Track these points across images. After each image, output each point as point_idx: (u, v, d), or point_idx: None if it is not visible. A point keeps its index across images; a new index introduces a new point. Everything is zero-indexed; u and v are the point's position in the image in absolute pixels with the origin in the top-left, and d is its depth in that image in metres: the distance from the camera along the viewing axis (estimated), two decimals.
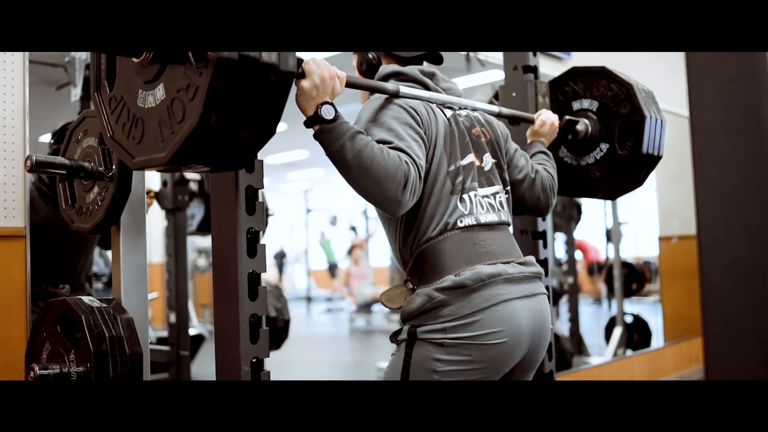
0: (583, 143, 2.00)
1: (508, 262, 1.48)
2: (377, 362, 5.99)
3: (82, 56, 3.11)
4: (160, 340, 4.06)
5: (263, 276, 1.30)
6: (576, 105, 2.05)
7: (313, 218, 14.10)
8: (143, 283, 1.53)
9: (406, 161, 1.33)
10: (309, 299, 12.88)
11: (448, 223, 1.45)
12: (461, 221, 1.46)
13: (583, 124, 1.99)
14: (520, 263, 1.50)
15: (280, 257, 13.63)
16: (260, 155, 1.30)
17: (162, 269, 4.16)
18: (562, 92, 2.09)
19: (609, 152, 1.98)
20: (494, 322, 1.39)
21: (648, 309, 5.20)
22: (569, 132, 1.97)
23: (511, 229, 1.60)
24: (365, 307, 8.67)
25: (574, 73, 2.06)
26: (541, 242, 2.05)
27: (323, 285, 13.95)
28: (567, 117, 1.97)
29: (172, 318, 3.37)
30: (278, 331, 3.20)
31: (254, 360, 1.26)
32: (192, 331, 4.17)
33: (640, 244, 6.68)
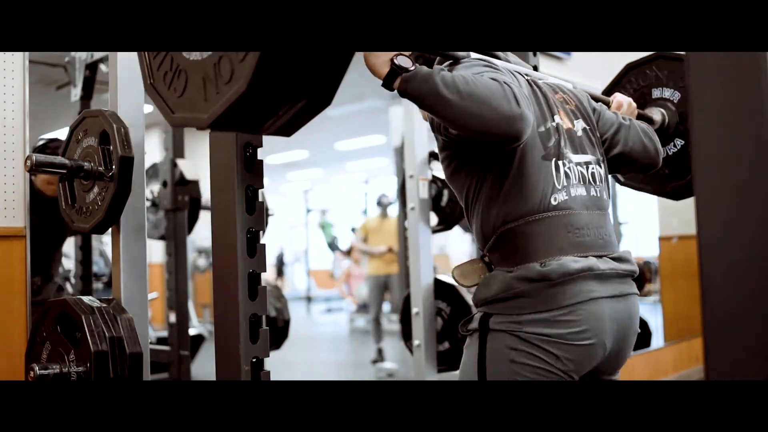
0: (657, 134, 1.75)
1: (600, 256, 1.33)
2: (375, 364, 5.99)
3: (82, 56, 3.11)
4: (160, 340, 4.06)
5: (263, 276, 1.30)
6: (656, 93, 1.88)
7: (313, 218, 14.09)
8: (143, 283, 1.53)
9: (502, 81, 1.20)
10: (309, 299, 12.88)
11: (541, 200, 1.30)
12: (555, 198, 1.31)
13: (660, 114, 1.81)
14: (614, 258, 1.35)
15: (279, 259, 13.63)
16: (260, 155, 1.30)
17: (162, 269, 4.16)
18: (643, 77, 1.92)
19: (683, 150, 1.81)
20: (578, 322, 1.26)
21: (648, 309, 5.20)
22: (644, 119, 1.78)
23: (610, 211, 1.44)
24: (365, 307, 8.67)
25: (660, 58, 1.89)
26: None
27: (323, 285, 13.95)
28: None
29: (172, 318, 3.37)
30: (278, 331, 3.20)
31: (254, 360, 1.26)
32: (192, 331, 4.16)
33: (640, 244, 6.68)
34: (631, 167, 1.56)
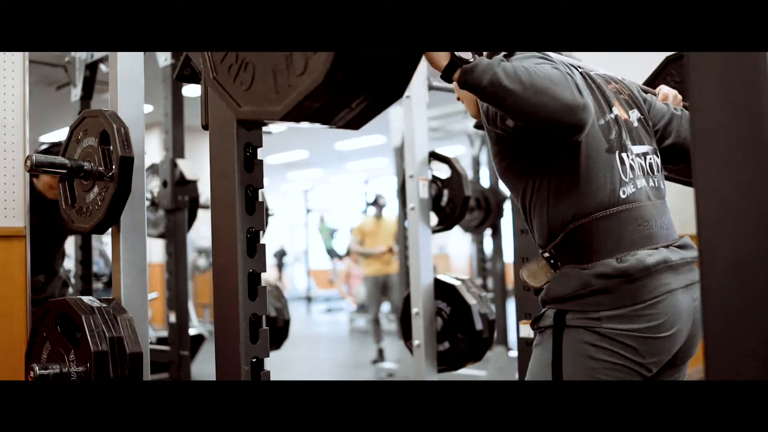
0: None
1: (668, 246, 1.32)
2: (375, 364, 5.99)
3: (82, 56, 3.11)
4: (160, 340, 4.07)
5: (263, 276, 1.30)
6: None
7: (313, 218, 14.10)
8: (143, 283, 1.53)
9: (563, 71, 1.18)
10: (309, 299, 12.88)
11: (611, 194, 1.28)
12: (623, 191, 1.30)
13: None
14: (679, 246, 1.34)
15: (280, 256, 13.64)
16: (260, 155, 1.30)
17: (162, 269, 4.16)
18: (684, 70, 1.88)
19: None
20: (658, 315, 1.25)
21: None
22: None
23: (667, 200, 1.44)
24: (365, 307, 8.67)
25: None
26: None
27: (323, 285, 13.95)
28: None
29: (172, 318, 3.37)
30: (278, 331, 3.20)
31: (254, 360, 1.26)
32: (192, 331, 4.17)
33: None
34: (682, 158, 1.53)
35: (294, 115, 0.90)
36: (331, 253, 12.67)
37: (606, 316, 1.25)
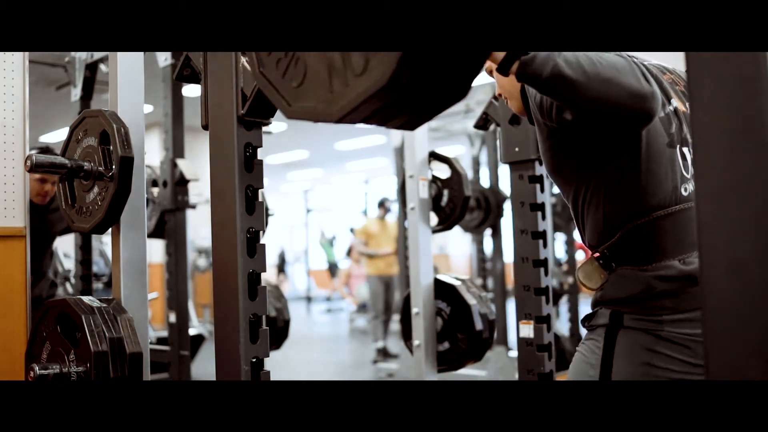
0: None
1: None
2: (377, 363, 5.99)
3: (82, 56, 3.11)
4: (160, 340, 4.07)
5: (263, 276, 1.30)
6: None
7: (313, 218, 14.11)
8: (143, 283, 1.53)
9: (627, 58, 1.12)
10: (309, 299, 12.88)
11: (672, 192, 1.21)
12: (685, 189, 1.22)
13: None
14: None
15: (281, 257, 13.67)
16: (260, 155, 1.30)
17: (162, 269, 4.16)
18: None
19: None
20: None
21: None
22: None
23: None
24: (365, 307, 8.67)
25: None
26: (541, 242, 2.05)
27: (323, 285, 13.96)
28: None
29: (172, 318, 3.37)
30: (278, 331, 3.20)
31: (254, 360, 1.26)
32: (192, 331, 4.16)
33: None
34: None
35: (351, 117, 0.84)
36: (333, 267, 12.72)
37: (669, 320, 1.18)
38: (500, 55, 1.10)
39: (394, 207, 6.62)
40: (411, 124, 0.93)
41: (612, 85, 1.08)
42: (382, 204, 6.85)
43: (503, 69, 1.11)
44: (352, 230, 12.30)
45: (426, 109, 0.88)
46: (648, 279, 1.20)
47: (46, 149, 2.93)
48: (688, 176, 1.24)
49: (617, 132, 1.22)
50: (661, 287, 1.19)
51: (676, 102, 1.29)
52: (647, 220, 1.21)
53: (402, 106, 0.84)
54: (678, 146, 1.24)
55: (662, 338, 1.18)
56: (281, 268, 13.61)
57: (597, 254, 1.28)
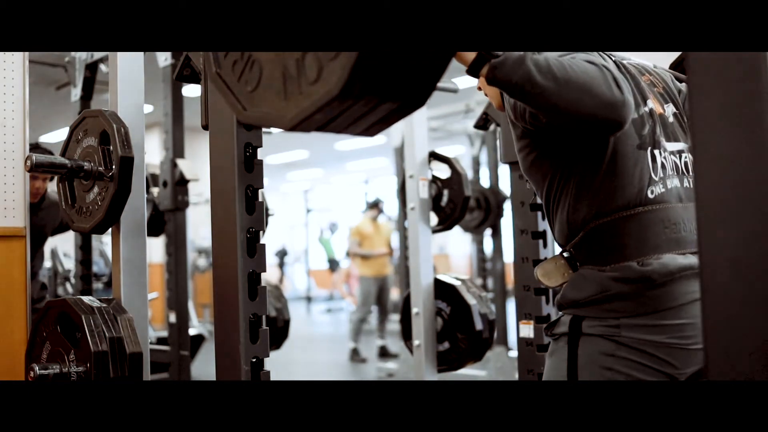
0: None
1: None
2: (376, 362, 5.99)
3: (82, 56, 3.11)
4: (160, 340, 4.07)
5: (263, 276, 1.30)
6: None
7: (313, 218, 14.11)
8: (143, 283, 1.53)
9: (600, 64, 1.09)
10: (309, 299, 12.88)
11: (638, 193, 1.21)
12: (652, 191, 1.22)
13: None
14: None
15: (281, 256, 13.67)
16: (260, 155, 1.30)
17: (162, 269, 4.16)
18: None
19: None
20: (681, 327, 1.16)
21: None
22: None
23: None
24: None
25: None
26: (541, 242, 2.05)
27: (323, 285, 13.96)
28: None
29: (172, 318, 3.37)
30: (278, 331, 3.20)
31: (254, 360, 1.26)
32: (192, 331, 4.16)
33: None
34: None
35: (305, 125, 0.82)
36: (332, 263, 12.72)
37: (626, 324, 1.17)
38: (470, 56, 1.08)
39: (388, 207, 6.62)
40: (370, 131, 0.90)
41: (583, 92, 1.07)
42: (375, 204, 6.85)
43: (472, 71, 1.09)
44: (351, 232, 12.35)
45: (383, 117, 0.85)
46: (604, 280, 1.20)
47: (35, 146, 2.90)
48: (657, 179, 1.23)
49: (587, 136, 1.22)
50: (616, 289, 1.18)
51: (652, 103, 1.28)
52: (609, 220, 1.21)
53: (357, 114, 0.82)
54: (649, 148, 1.24)
55: (620, 344, 1.17)
56: (282, 262, 13.62)
57: (565, 254, 1.27)
